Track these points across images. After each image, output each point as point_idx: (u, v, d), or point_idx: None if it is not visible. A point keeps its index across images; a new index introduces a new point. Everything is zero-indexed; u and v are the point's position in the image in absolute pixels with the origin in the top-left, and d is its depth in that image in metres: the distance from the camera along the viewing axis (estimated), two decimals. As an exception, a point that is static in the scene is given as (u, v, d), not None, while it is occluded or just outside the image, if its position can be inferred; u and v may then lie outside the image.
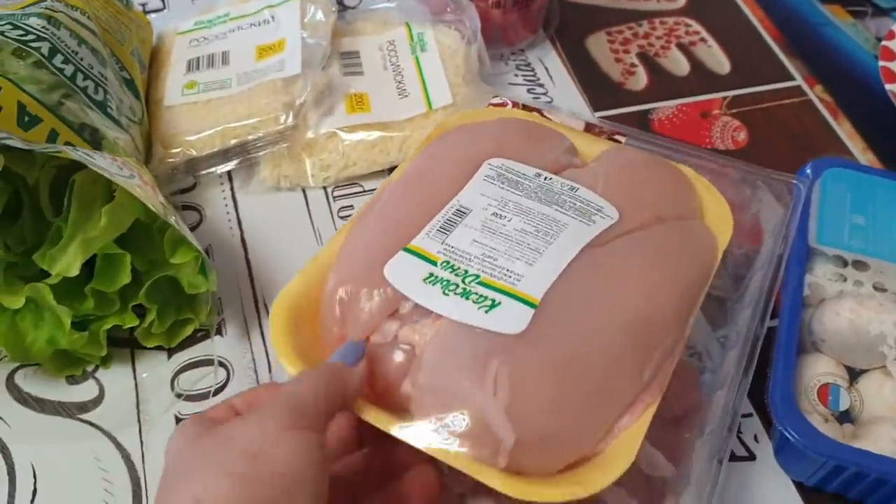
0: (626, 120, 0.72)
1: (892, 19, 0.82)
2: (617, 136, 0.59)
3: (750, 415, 0.55)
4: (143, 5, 0.81)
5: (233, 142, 0.63)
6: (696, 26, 0.80)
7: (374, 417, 0.40)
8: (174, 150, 0.63)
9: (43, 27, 0.56)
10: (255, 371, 0.55)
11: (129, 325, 0.53)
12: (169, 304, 0.54)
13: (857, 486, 0.48)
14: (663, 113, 0.72)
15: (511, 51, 0.76)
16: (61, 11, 0.58)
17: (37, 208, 0.53)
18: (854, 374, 0.52)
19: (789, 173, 0.56)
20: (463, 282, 0.42)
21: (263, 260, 0.61)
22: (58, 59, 0.55)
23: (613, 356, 0.41)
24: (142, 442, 0.52)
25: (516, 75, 0.75)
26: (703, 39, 0.79)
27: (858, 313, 0.52)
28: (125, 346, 0.56)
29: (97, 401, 0.54)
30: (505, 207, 0.47)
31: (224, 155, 0.64)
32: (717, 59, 0.77)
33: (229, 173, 0.66)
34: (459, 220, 0.46)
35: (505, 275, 0.43)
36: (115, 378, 0.55)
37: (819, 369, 0.51)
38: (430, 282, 0.42)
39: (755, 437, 0.54)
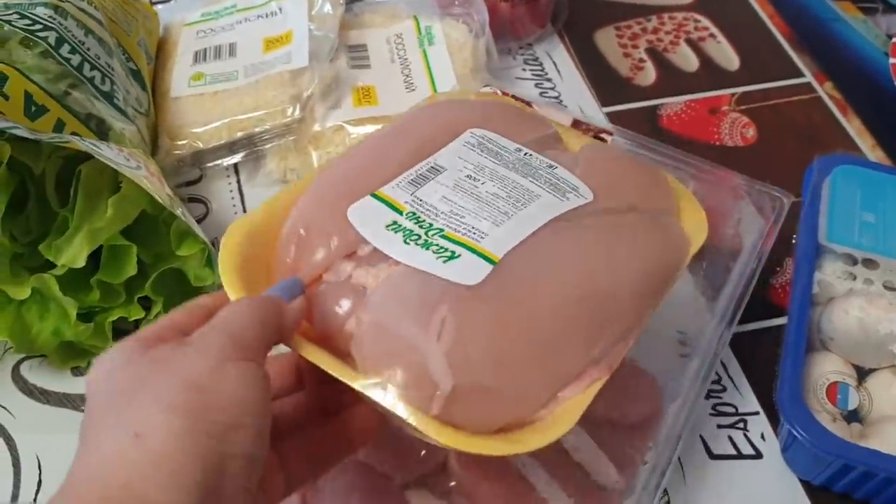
0: (634, 115, 0.71)
1: (902, 16, 0.81)
2: (603, 135, 0.58)
3: (756, 413, 0.54)
4: (150, -4, 0.81)
5: (239, 134, 0.63)
6: (705, 22, 0.80)
7: (313, 354, 0.38)
8: (180, 142, 0.63)
9: (50, 17, 0.56)
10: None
11: (135, 318, 0.53)
12: (175, 296, 0.54)
13: (865, 486, 0.48)
14: (671, 109, 0.72)
15: (519, 45, 0.76)
16: (68, 1, 0.58)
17: (43, 199, 0.53)
18: (863, 373, 0.52)
19: (774, 186, 0.56)
20: (426, 234, 0.41)
21: (269, 253, 0.61)
22: (65, 49, 0.55)
23: (564, 324, 0.40)
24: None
25: (524, 69, 0.74)
26: (712, 35, 0.79)
27: (868, 312, 0.52)
28: (130, 337, 0.56)
29: (102, 392, 0.54)
30: (480, 172, 0.46)
31: (230, 147, 0.64)
32: (727, 55, 0.77)
33: (236, 166, 0.66)
34: (432, 176, 0.45)
35: (469, 231, 0.42)
36: (120, 370, 0.55)
37: (827, 368, 0.51)
38: (392, 229, 0.42)
39: (762, 436, 0.53)
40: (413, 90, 0.66)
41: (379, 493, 0.44)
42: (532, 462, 0.43)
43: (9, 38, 0.53)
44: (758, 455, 0.52)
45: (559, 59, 0.76)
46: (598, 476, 0.44)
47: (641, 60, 0.76)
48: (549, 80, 0.73)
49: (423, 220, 0.42)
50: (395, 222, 0.42)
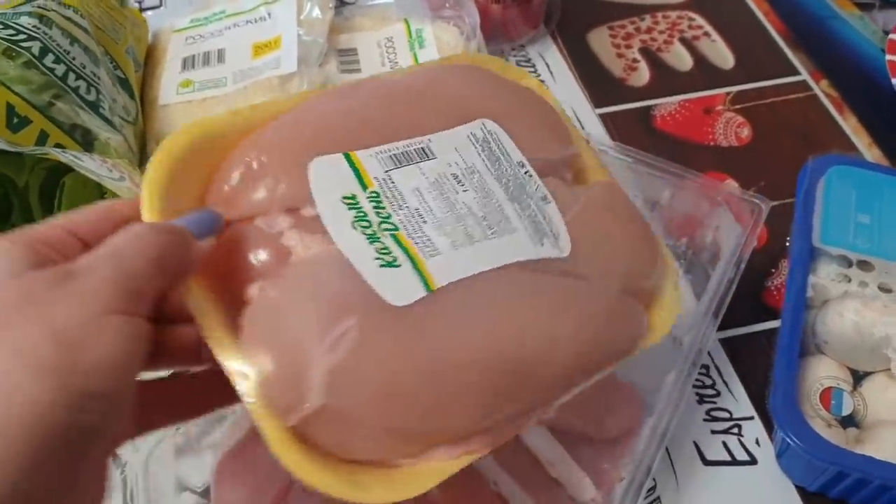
0: (628, 116, 0.71)
1: (900, 12, 0.80)
2: None
3: (751, 418, 0.54)
4: (140, 3, 0.80)
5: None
6: (699, 20, 0.79)
7: (198, 304, 0.34)
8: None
9: (34, 26, 0.55)
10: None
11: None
12: (162, 306, 0.54)
13: (861, 492, 0.47)
14: (665, 109, 0.71)
15: (511, 46, 0.75)
16: (54, 10, 0.58)
17: (27, 210, 0.52)
18: (858, 377, 0.51)
19: (753, 193, 0.56)
20: (378, 225, 0.37)
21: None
22: (49, 59, 0.55)
23: (465, 385, 0.36)
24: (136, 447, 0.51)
25: (516, 71, 0.74)
26: (706, 34, 0.78)
27: (863, 315, 0.51)
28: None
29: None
30: (469, 175, 0.41)
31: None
32: (721, 54, 0.76)
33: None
34: (418, 159, 0.40)
35: (423, 242, 0.37)
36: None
37: (822, 372, 0.50)
38: (347, 203, 0.37)
39: (756, 441, 0.53)
40: (403, 94, 0.66)
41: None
42: (507, 479, 0.42)
43: (-9, 50, 0.53)
44: (752, 461, 0.52)
45: (552, 61, 0.75)
46: (574, 492, 0.43)
47: (635, 60, 0.75)
48: (542, 81, 0.72)
49: (383, 208, 0.38)
50: (353, 196, 0.37)
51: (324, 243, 0.36)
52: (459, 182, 0.40)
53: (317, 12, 0.68)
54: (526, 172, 0.43)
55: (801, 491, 0.50)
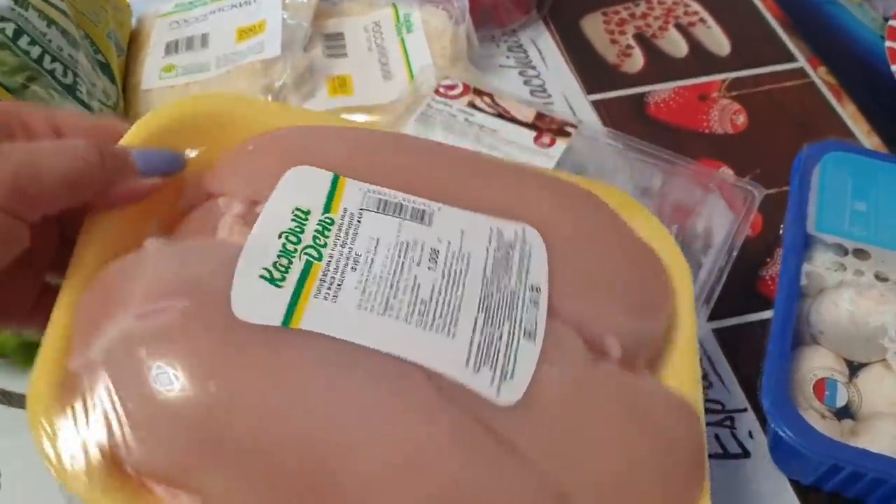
0: (621, 103, 0.69)
1: (900, -2, 0.79)
2: (568, 128, 0.56)
3: (744, 410, 0.52)
4: (126, -13, 0.79)
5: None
6: (695, 6, 0.78)
7: (86, 236, 0.34)
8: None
9: (10, 8, 0.54)
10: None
11: None
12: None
13: (856, 485, 0.46)
14: (660, 96, 0.69)
15: (503, 32, 0.74)
16: (31, -9, 0.56)
17: None
18: (854, 368, 0.49)
19: (745, 180, 0.55)
20: (303, 248, 0.35)
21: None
22: (23, 41, 0.53)
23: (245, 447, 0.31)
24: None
25: (507, 57, 0.72)
26: (702, 20, 0.76)
27: (858, 304, 0.50)
28: (97, 337, 0.54)
29: (66, 395, 0.52)
30: (452, 260, 0.36)
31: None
32: (717, 40, 0.75)
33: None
34: (406, 217, 0.37)
35: (329, 284, 0.34)
36: (85, 371, 0.53)
37: (816, 363, 0.49)
38: (294, 215, 0.36)
39: (749, 434, 0.51)
40: (390, 79, 0.64)
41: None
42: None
43: (-36, 31, 0.51)
44: (745, 454, 0.51)
45: (544, 47, 0.73)
46: None
47: (629, 47, 0.74)
48: (533, 67, 0.71)
49: (325, 237, 0.36)
50: (306, 212, 0.36)
51: (240, 237, 0.35)
52: (432, 259, 0.36)
53: (303, -4, 0.67)
54: (532, 300, 0.37)
55: (796, 485, 0.49)
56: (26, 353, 0.52)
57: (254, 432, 0.30)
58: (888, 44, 0.68)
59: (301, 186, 0.37)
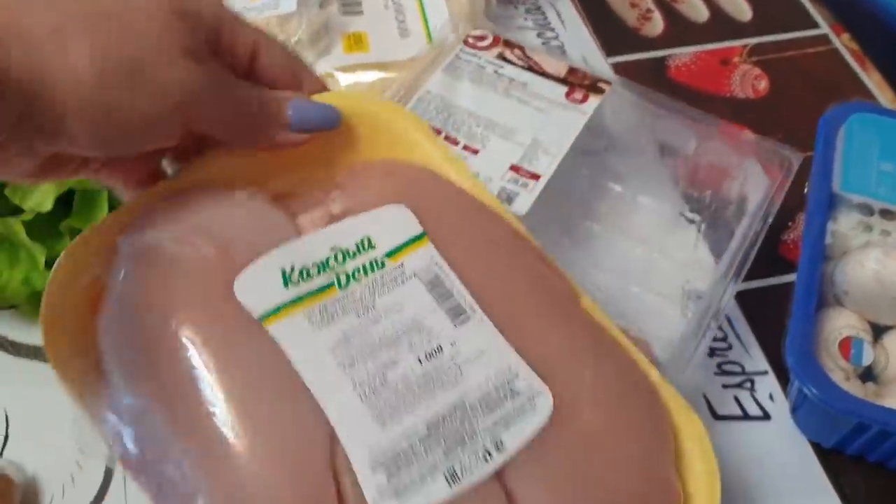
0: (641, 66, 0.68)
1: (925, -34, 0.77)
2: (601, 84, 0.55)
3: (765, 372, 0.51)
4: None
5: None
6: (716, -29, 0.76)
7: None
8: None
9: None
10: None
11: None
12: (150, 245, 0.51)
13: (881, 447, 0.45)
14: (680, 59, 0.68)
15: (522, -5, 0.73)
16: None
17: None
18: (879, 331, 0.48)
19: (784, 143, 0.53)
20: (343, 272, 0.36)
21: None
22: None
23: None
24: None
25: (525, 19, 0.71)
26: (723, -15, 0.75)
27: (885, 264, 0.48)
28: (107, 290, 0.53)
29: (75, 346, 0.51)
30: (433, 384, 0.34)
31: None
32: (738, 6, 0.73)
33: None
34: (443, 306, 0.37)
35: (334, 310, 0.36)
36: (95, 323, 0.52)
37: (841, 322, 0.48)
38: (361, 244, 0.37)
39: (770, 396, 0.50)
40: (407, 36, 0.63)
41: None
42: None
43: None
44: (765, 416, 0.50)
45: (563, 8, 0.72)
46: None
47: (649, 10, 0.73)
48: (551, 29, 0.70)
49: (365, 276, 0.36)
50: (371, 247, 0.37)
51: (311, 229, 0.38)
52: (429, 355, 0.35)
53: (319, -49, 0.65)
54: (486, 454, 0.34)
55: (817, 447, 0.48)
56: (35, 304, 0.51)
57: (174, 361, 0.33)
58: (914, 11, 0.67)
59: (389, 222, 0.38)
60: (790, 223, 0.58)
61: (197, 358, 0.33)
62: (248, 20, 0.59)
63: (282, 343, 0.33)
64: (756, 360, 0.52)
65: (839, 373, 0.46)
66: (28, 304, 0.51)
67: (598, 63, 0.68)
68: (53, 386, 0.49)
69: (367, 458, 0.32)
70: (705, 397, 0.50)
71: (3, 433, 0.47)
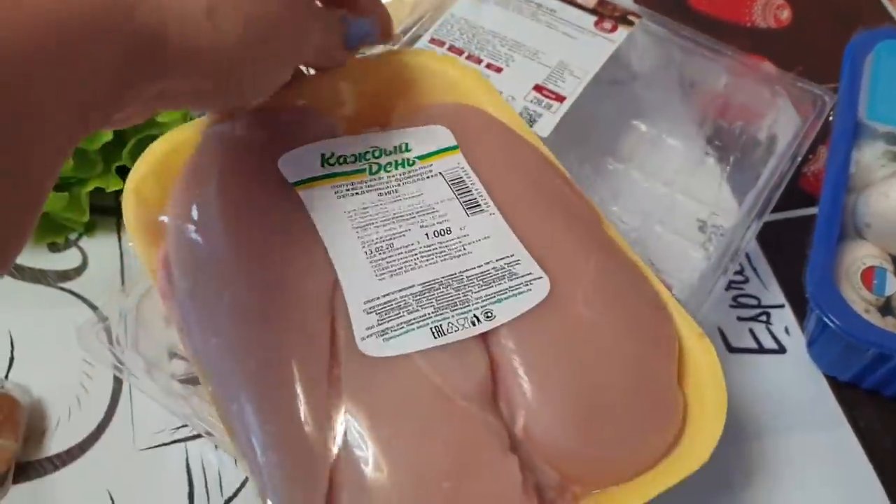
0: (660, -5, 0.66)
1: None
2: (630, 17, 0.53)
3: (781, 306, 0.51)
4: None
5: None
6: None
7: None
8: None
9: None
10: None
11: (113, 189, 0.49)
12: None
13: (897, 381, 0.44)
14: (700, -13, 0.66)
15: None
16: None
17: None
18: (901, 265, 0.47)
19: (816, 85, 0.52)
20: (377, 163, 0.41)
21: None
22: None
23: None
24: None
25: (542, -56, 0.68)
26: (746, -87, 0.72)
27: (910, 195, 0.47)
28: (111, 214, 0.52)
29: (80, 270, 0.51)
30: (436, 256, 0.38)
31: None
32: (762, -66, 0.71)
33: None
34: (461, 199, 0.40)
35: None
36: (100, 247, 0.52)
37: (863, 252, 0.47)
38: (397, 148, 0.41)
39: (786, 330, 0.50)
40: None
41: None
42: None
43: None
44: (781, 350, 0.49)
45: (580, -65, 0.70)
46: None
47: (669, -63, 0.70)
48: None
49: (395, 170, 0.41)
50: (408, 149, 0.41)
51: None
52: (438, 233, 0.39)
53: None
54: (474, 319, 0.36)
55: (832, 381, 0.48)
56: (40, 227, 0.50)
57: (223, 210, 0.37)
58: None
59: (428, 136, 0.42)
60: (811, 156, 0.56)
61: (239, 208, 0.37)
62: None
63: (308, 204, 0.38)
64: (773, 293, 0.51)
65: (860, 304, 0.45)
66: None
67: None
68: (58, 309, 0.49)
69: (362, 302, 0.35)
70: (720, 330, 0.49)
71: (9, 356, 0.47)
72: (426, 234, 0.38)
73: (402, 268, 0.36)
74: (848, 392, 0.47)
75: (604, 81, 0.52)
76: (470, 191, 0.40)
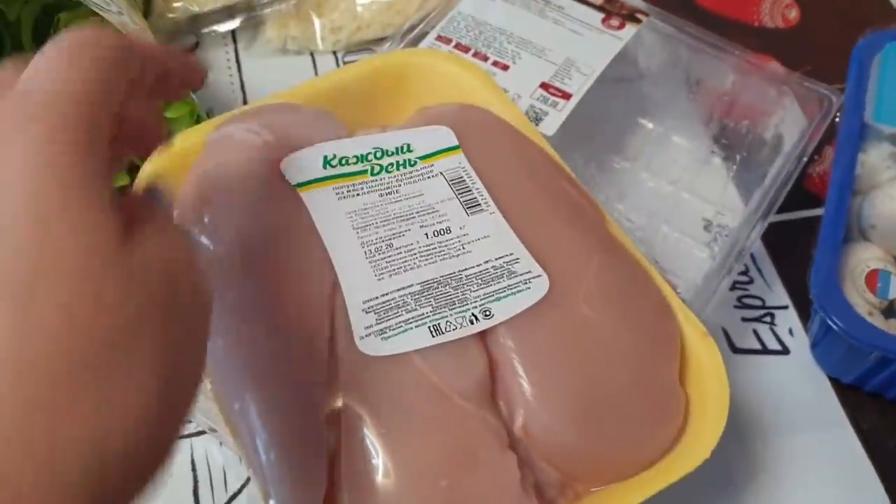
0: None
1: None
2: (638, 15, 0.53)
3: (785, 307, 0.50)
4: None
5: (238, -4, 0.58)
6: None
7: None
8: (176, 5, 0.58)
9: None
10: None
11: (120, 185, 0.49)
12: (162, 163, 0.50)
13: (901, 383, 0.44)
14: (708, -14, 0.66)
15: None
16: None
17: (19, 48, 0.49)
18: (905, 266, 0.47)
19: (823, 84, 0.52)
20: (378, 165, 0.41)
21: (267, 126, 0.57)
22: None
23: None
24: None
25: (550, -58, 0.68)
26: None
27: (915, 198, 0.47)
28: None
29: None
30: (435, 255, 0.38)
31: (228, 12, 0.59)
32: (771, -67, 0.70)
33: (234, 34, 0.61)
34: (461, 199, 0.40)
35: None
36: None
37: (867, 255, 0.46)
38: (399, 149, 0.41)
39: (790, 331, 0.50)
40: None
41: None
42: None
43: None
44: (784, 351, 0.49)
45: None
46: None
47: (678, -65, 0.70)
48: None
49: (397, 171, 0.41)
50: (409, 150, 0.41)
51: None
52: (437, 232, 0.39)
53: None
54: (472, 317, 0.36)
55: (835, 383, 0.48)
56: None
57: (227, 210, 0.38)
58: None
59: (430, 136, 0.42)
60: (816, 156, 0.56)
61: (243, 210, 0.38)
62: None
63: (309, 205, 0.38)
64: (777, 294, 0.51)
65: (863, 307, 0.45)
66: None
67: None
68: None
69: (361, 301, 0.35)
70: (724, 330, 0.49)
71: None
72: (426, 234, 0.38)
73: (401, 267, 0.37)
74: (850, 394, 0.47)
75: (610, 79, 0.52)
76: (470, 190, 0.40)
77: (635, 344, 0.37)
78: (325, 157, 0.40)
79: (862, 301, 0.45)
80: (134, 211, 0.23)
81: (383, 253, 0.37)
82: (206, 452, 0.44)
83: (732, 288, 0.51)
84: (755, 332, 0.49)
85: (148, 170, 0.40)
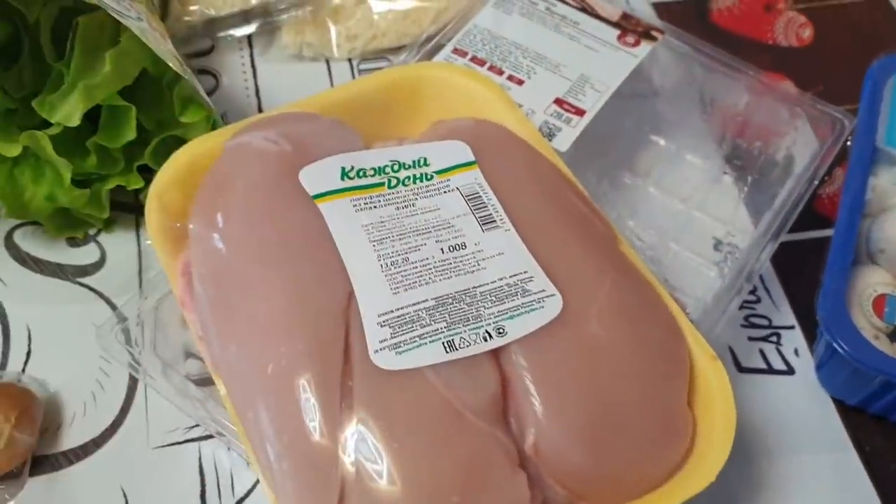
0: (684, 9, 0.66)
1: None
2: (653, 32, 0.54)
3: (792, 327, 0.51)
4: None
5: (254, 2, 0.59)
6: (765, -86, 0.74)
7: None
8: (192, 8, 0.59)
9: None
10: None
11: (134, 187, 0.50)
12: (177, 167, 0.51)
13: (905, 408, 0.44)
14: (724, 2, 0.66)
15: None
16: None
17: (38, 51, 0.49)
18: (913, 292, 0.48)
19: (835, 107, 0.52)
20: (395, 177, 0.41)
21: (281, 131, 0.57)
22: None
23: None
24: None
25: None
26: (772, -71, 0.72)
27: (925, 223, 0.47)
28: (131, 211, 0.53)
29: (98, 265, 0.51)
30: (450, 271, 0.38)
31: (245, 16, 0.60)
32: (787, -50, 0.71)
33: (249, 38, 0.62)
34: (476, 214, 0.40)
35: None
36: (118, 243, 0.52)
37: (875, 279, 0.47)
38: (416, 162, 0.42)
39: (795, 351, 0.50)
40: (443, -37, 0.62)
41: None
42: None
43: None
44: (790, 371, 0.49)
45: (604, -54, 0.70)
46: None
47: (694, -49, 0.70)
48: None
49: (413, 184, 0.41)
50: (426, 163, 0.42)
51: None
52: (452, 248, 0.39)
53: None
54: (486, 335, 0.36)
55: (839, 405, 0.48)
56: (59, 221, 0.51)
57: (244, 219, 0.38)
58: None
59: (447, 150, 0.42)
60: (826, 178, 0.56)
61: (261, 219, 0.38)
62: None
63: (326, 217, 0.38)
64: (784, 314, 0.51)
65: (869, 331, 0.45)
66: (52, 220, 0.50)
67: (642, 6, 0.66)
68: (76, 304, 0.49)
69: (376, 315, 0.35)
70: (730, 349, 0.49)
71: (26, 349, 0.48)
72: (441, 249, 0.38)
73: (416, 282, 0.37)
74: (854, 416, 0.47)
75: (624, 96, 0.52)
76: (486, 206, 0.41)
77: (646, 365, 0.37)
78: (343, 169, 0.40)
79: (868, 325, 0.45)
80: None
81: (399, 267, 0.37)
82: (214, 456, 0.44)
83: (740, 307, 0.51)
84: (761, 351, 0.50)
85: (164, 178, 0.40)
